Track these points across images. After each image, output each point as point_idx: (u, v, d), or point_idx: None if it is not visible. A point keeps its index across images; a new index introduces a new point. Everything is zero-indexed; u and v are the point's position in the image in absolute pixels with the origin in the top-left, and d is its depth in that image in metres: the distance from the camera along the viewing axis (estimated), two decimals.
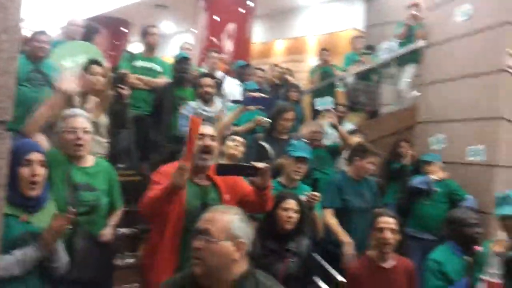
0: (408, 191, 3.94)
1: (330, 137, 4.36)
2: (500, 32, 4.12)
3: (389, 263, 2.57)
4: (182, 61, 4.40)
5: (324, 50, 6.41)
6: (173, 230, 2.17)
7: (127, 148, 4.05)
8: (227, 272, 1.44)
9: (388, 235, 2.50)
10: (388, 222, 2.53)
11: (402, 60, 5.62)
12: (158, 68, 4.58)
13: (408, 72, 5.63)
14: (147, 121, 4.35)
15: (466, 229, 2.66)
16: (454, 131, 4.42)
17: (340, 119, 4.67)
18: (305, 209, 2.73)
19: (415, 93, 5.38)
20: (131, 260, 3.49)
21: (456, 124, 4.44)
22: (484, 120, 4.14)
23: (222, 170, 2.17)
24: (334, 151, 4.20)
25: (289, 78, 6.03)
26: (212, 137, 2.28)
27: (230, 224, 1.47)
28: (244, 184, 2.37)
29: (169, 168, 2.19)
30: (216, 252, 1.44)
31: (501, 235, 2.68)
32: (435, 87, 4.78)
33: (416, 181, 3.91)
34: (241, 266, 1.47)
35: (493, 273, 2.34)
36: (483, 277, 2.37)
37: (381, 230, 2.52)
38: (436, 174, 3.91)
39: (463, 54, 4.45)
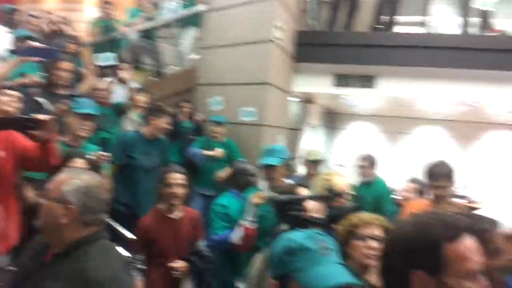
0: (185, 157, 4.22)
1: (115, 95, 4.25)
2: (270, 5, 4.66)
3: (177, 214, 2.76)
4: None
5: (106, 3, 6.04)
6: None
7: None
8: (58, 235, 1.42)
9: (177, 189, 2.67)
10: (176, 178, 2.69)
11: (184, 22, 5.79)
12: None
13: (189, 35, 5.84)
14: None
15: (247, 177, 3.11)
16: (229, 94, 4.85)
17: None
18: (94, 168, 2.67)
19: (195, 55, 5.65)
20: None
21: (231, 87, 4.88)
22: (255, 85, 4.70)
23: (1, 124, 2.00)
24: (119, 110, 4.12)
25: (66, 28, 5.52)
26: None
27: (65, 187, 1.43)
28: (23, 138, 2.21)
29: None
30: (46, 211, 1.43)
31: (263, 184, 3.14)
32: (213, 52, 5.11)
33: (190, 152, 4.22)
34: (75, 233, 1.43)
35: (249, 220, 2.72)
36: (241, 222, 2.75)
37: (170, 185, 2.67)
38: (217, 139, 4.27)
39: (238, 22, 4.87)
